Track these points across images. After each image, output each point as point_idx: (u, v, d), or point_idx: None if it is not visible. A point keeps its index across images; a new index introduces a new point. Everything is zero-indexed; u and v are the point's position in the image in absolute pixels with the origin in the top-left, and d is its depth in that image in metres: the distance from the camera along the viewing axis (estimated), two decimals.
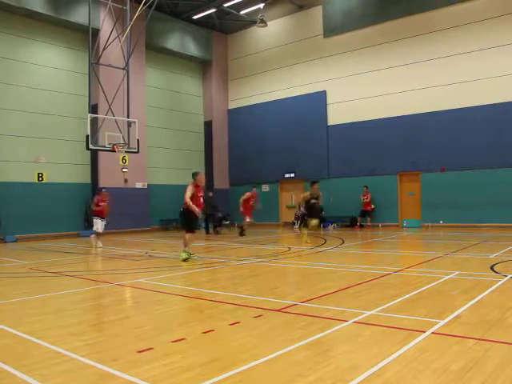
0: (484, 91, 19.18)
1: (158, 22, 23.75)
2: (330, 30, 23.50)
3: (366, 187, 21.51)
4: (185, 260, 10.88)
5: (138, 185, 22.93)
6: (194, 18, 25.01)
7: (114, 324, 5.52)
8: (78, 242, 17.98)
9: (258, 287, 7.64)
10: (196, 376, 3.68)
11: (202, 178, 11.09)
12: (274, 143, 25.20)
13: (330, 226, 22.26)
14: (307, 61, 24.35)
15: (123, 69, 19.57)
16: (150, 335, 4.95)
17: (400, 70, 21.36)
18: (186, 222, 11.20)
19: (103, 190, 15.92)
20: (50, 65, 21.07)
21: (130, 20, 18.79)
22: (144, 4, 18.16)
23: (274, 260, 11.07)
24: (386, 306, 5.86)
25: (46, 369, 3.95)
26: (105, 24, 20.46)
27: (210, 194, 21.39)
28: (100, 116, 19.31)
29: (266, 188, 25.86)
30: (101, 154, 21.01)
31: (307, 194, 14.48)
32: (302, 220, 22.99)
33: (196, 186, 10.96)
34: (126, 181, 22.16)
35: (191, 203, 10.66)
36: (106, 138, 18.31)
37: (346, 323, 5.12)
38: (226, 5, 23.55)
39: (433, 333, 4.67)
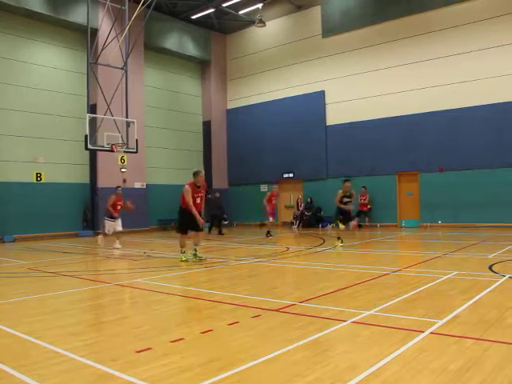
0: (483, 91, 19.18)
1: (156, 22, 23.73)
2: (329, 30, 23.51)
3: (365, 188, 21.51)
4: (183, 261, 10.76)
5: (137, 185, 22.92)
6: (193, 17, 25.00)
7: (112, 324, 5.52)
8: (77, 242, 17.96)
9: (256, 287, 7.64)
10: (195, 376, 3.69)
11: (201, 179, 10.75)
12: (273, 143, 25.20)
13: (329, 226, 22.25)
14: (306, 61, 24.35)
15: (122, 69, 19.56)
16: (149, 335, 4.95)
17: (399, 70, 21.36)
18: (179, 223, 11.12)
19: (119, 188, 15.04)
20: (48, 65, 21.04)
21: (129, 20, 18.79)
22: (142, 4, 18.16)
23: (273, 260, 11.07)
24: (385, 306, 5.87)
25: (44, 369, 3.95)
26: (103, 24, 20.45)
27: (217, 194, 21.42)
28: (99, 116, 19.29)
29: (264, 188, 25.83)
30: (99, 154, 20.99)
31: (340, 192, 13.47)
32: (301, 220, 23.09)
33: (194, 187, 10.67)
34: (124, 181, 22.12)
35: (191, 205, 10.44)
36: (104, 137, 18.30)
37: (345, 323, 5.12)
38: (224, 5, 23.54)
39: (431, 333, 4.68)
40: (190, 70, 27.04)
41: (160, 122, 25.10)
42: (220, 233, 19.96)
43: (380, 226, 21.47)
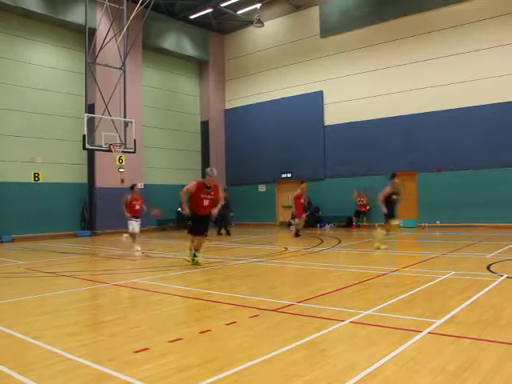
0: (481, 91, 19.21)
1: (154, 22, 23.72)
2: (327, 30, 23.52)
3: (363, 190, 21.48)
4: (191, 262, 10.23)
5: None
6: (191, 17, 24.99)
7: (110, 324, 5.52)
8: (75, 242, 17.94)
9: (254, 287, 7.65)
10: (193, 376, 3.68)
11: (210, 180, 9.91)
12: (271, 143, 25.20)
13: (327, 226, 22.27)
14: (304, 61, 24.36)
15: (120, 68, 19.55)
16: (147, 335, 4.95)
17: (397, 70, 21.38)
18: (190, 225, 10.32)
19: (136, 186, 14.05)
20: (46, 64, 21.02)
21: (127, 20, 18.78)
22: (141, 4, 18.15)
23: (271, 260, 11.07)
24: (383, 305, 5.87)
25: (42, 369, 3.94)
26: (101, 24, 20.43)
27: (225, 193, 21.16)
28: (97, 116, 19.28)
29: (262, 188, 25.86)
30: (97, 154, 20.98)
31: (387, 189, 12.44)
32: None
33: (202, 186, 9.87)
34: (122, 181, 22.10)
35: (183, 200, 9.96)
36: (102, 137, 18.29)
37: (343, 323, 5.13)
38: (222, 5, 23.54)
39: (429, 333, 4.69)
40: (188, 69, 27.03)
41: (158, 122, 25.08)
42: (227, 233, 19.58)
43: (378, 226, 21.40)
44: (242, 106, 26.81)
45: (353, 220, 21.87)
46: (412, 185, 21.14)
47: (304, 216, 17.73)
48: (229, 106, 27.67)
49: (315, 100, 23.85)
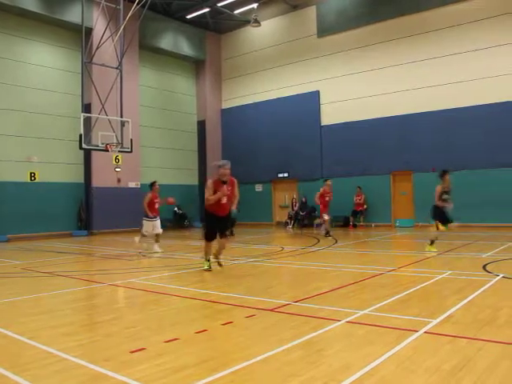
0: (478, 92, 19.23)
1: (151, 22, 23.67)
2: (324, 30, 23.53)
3: (360, 188, 21.57)
4: (206, 270, 9.30)
5: (131, 184, 22.86)
6: (188, 17, 24.96)
7: (106, 324, 5.51)
8: (71, 242, 17.90)
9: (251, 287, 7.64)
10: (189, 376, 3.68)
11: (225, 171, 8.90)
12: (268, 143, 25.20)
13: (323, 226, 22.23)
14: (301, 61, 24.36)
15: (116, 68, 19.52)
16: (143, 335, 4.94)
17: (394, 70, 21.40)
18: (205, 229, 9.47)
19: (156, 183, 13.34)
20: (43, 64, 20.96)
21: (124, 19, 18.74)
22: (137, 3, 18.11)
23: (268, 260, 11.07)
24: (379, 305, 5.88)
25: (38, 369, 3.93)
26: (98, 23, 20.38)
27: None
28: (93, 115, 19.23)
29: (259, 188, 25.87)
30: (94, 154, 20.93)
31: (439, 187, 11.43)
32: (295, 220, 23.06)
33: (218, 183, 8.93)
34: (119, 180, 22.10)
35: (210, 200, 8.86)
36: (99, 137, 18.25)
37: (339, 323, 5.13)
38: (219, 4, 23.51)
39: (425, 332, 4.69)
40: (184, 69, 27.01)
41: (155, 122, 25.05)
42: (231, 233, 18.50)
43: (375, 226, 21.50)
44: (239, 105, 26.80)
45: (350, 220, 21.88)
46: (408, 184, 21.18)
47: (326, 215, 17.03)
48: (225, 105, 27.66)
49: (312, 100, 23.86)
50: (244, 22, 25.63)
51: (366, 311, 5.59)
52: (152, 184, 13.25)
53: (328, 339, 4.69)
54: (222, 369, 3.78)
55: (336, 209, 22.45)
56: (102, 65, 19.11)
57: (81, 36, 18.69)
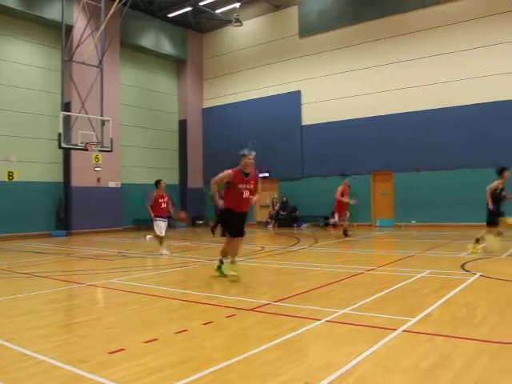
0: (459, 92, 19.43)
1: (132, 20, 23.49)
2: (306, 30, 23.60)
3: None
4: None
5: (111, 184, 22.65)
6: (170, 16, 24.84)
7: (85, 325, 5.45)
8: (50, 242, 17.68)
9: (231, 287, 7.63)
10: (168, 376, 3.67)
11: (248, 162, 8.00)
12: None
13: (304, 226, 22.34)
14: (282, 61, 24.40)
15: (97, 67, 19.35)
16: (122, 336, 4.91)
17: (375, 70, 21.54)
18: (227, 225, 8.41)
19: (162, 181, 12.57)
20: (22, 61, 20.63)
21: (105, 17, 18.59)
22: (119, 1, 17.97)
23: (248, 260, 11.06)
24: (359, 304, 5.92)
25: (15, 372, 3.88)
26: (78, 21, 20.17)
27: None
28: (73, 114, 19.04)
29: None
30: (73, 153, 20.69)
31: (495, 183, 10.77)
32: (276, 219, 23.09)
33: (239, 174, 7.96)
34: (98, 180, 21.89)
35: (215, 190, 8.22)
36: (78, 136, 18.10)
37: (319, 322, 5.15)
38: (201, 3, 23.43)
39: (404, 331, 4.74)
40: (166, 68, 26.88)
41: (135, 121, 24.87)
42: (212, 232, 17.80)
43: (356, 226, 21.61)
44: (220, 105, 26.74)
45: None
46: (388, 184, 21.36)
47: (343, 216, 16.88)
48: (207, 105, 27.59)
49: (293, 100, 23.92)
50: (226, 21, 25.58)
51: (345, 310, 5.62)
52: (157, 182, 12.55)
53: (308, 338, 4.71)
54: (202, 369, 3.77)
55: (316, 208, 22.60)
56: (83, 63, 18.92)
57: (61, 34, 18.50)
